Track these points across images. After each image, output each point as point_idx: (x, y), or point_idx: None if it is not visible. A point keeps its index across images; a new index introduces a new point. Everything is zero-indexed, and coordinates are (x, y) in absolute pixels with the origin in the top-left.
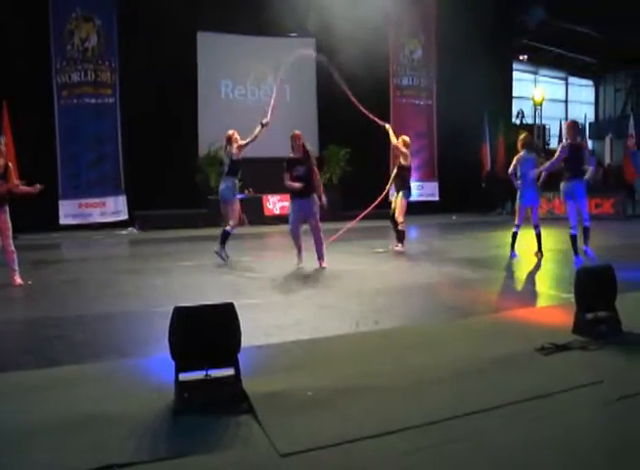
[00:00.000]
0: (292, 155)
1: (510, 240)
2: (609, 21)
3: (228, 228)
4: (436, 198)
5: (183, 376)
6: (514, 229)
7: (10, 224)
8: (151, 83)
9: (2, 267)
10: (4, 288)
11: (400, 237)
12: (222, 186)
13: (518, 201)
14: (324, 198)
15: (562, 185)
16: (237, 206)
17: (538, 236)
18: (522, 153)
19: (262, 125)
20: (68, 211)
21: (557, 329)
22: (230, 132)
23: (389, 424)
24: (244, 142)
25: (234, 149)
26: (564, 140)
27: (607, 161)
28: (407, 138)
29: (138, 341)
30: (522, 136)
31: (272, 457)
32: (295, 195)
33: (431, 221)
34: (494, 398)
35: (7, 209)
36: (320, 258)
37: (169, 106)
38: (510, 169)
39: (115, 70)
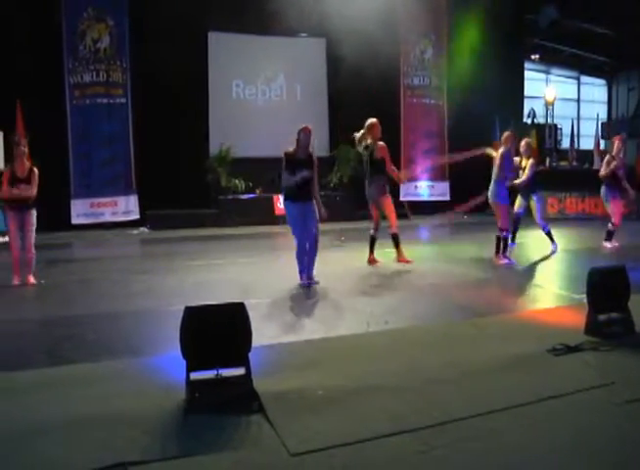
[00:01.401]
0: (291, 150)
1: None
2: (622, 19)
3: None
4: (447, 198)
5: (194, 375)
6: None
7: (34, 227)
8: (162, 83)
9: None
10: (18, 287)
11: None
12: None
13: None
14: (323, 209)
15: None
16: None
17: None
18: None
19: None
20: (79, 211)
21: (569, 330)
22: (374, 120)
23: (402, 423)
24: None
25: (378, 146)
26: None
27: None
28: (529, 139)
29: (149, 340)
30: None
31: (283, 457)
32: (292, 198)
33: (442, 221)
34: (506, 398)
35: (33, 212)
36: (311, 271)
37: (180, 106)
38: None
39: (127, 71)
